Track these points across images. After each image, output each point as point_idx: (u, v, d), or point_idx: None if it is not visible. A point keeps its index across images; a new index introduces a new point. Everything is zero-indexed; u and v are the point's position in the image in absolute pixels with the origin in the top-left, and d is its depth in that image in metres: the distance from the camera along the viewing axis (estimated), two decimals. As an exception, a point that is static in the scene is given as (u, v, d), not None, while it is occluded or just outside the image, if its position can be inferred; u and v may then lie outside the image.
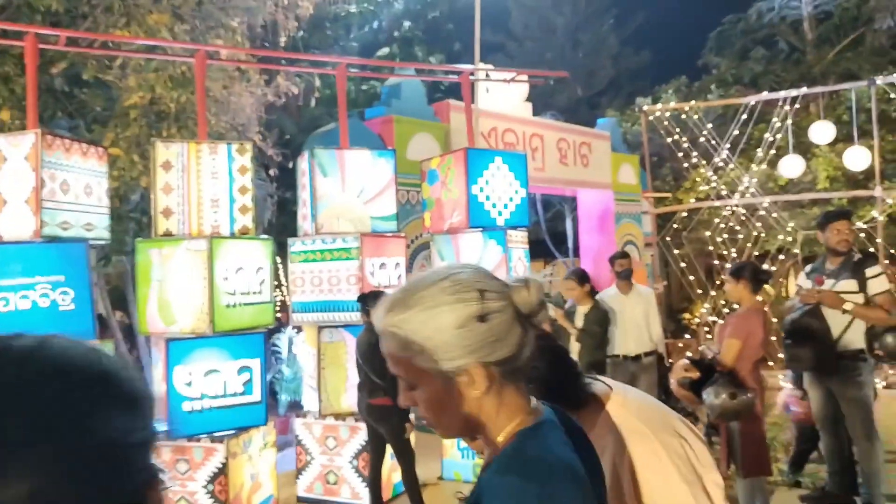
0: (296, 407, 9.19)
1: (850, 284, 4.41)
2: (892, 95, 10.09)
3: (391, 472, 5.30)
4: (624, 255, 6.27)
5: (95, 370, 0.64)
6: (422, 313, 1.02)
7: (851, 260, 4.51)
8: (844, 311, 4.33)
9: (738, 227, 9.98)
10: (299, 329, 7.55)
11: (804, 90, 9.60)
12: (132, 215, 8.32)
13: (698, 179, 11.53)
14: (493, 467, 1.02)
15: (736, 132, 9.85)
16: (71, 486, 0.56)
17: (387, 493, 5.27)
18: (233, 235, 4.94)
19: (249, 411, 4.88)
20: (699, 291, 10.36)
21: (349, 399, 5.40)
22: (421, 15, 19.49)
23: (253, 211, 5.06)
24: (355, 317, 5.25)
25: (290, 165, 7.37)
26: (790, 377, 5.37)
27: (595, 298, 5.87)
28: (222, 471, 4.63)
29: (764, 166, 10.05)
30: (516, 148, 9.51)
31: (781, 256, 10.17)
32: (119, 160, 6.77)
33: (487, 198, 5.70)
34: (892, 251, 9.24)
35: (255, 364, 4.91)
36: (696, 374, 3.65)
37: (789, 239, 9.80)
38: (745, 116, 9.76)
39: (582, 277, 5.90)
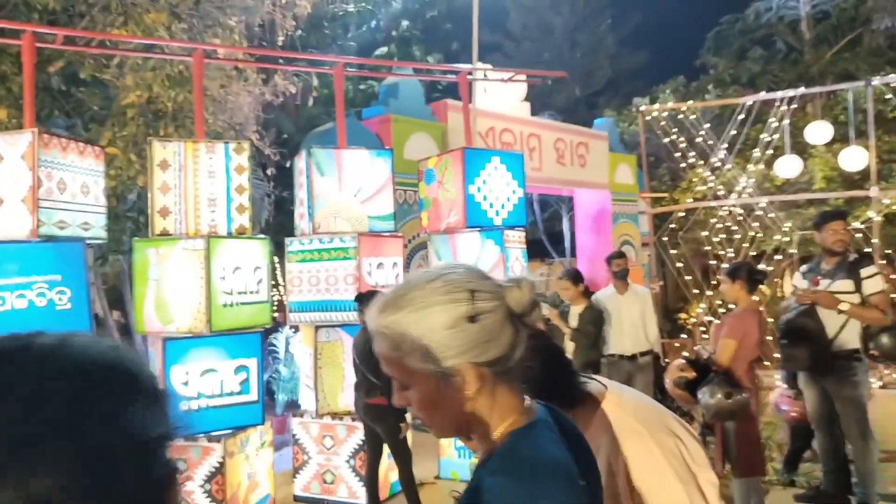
0: (293, 406, 9.17)
1: (845, 284, 4.42)
2: (889, 96, 10.11)
3: (388, 471, 5.30)
4: (620, 255, 6.29)
5: (116, 367, 0.64)
6: (413, 314, 1.02)
7: (847, 260, 4.52)
8: (840, 312, 4.34)
9: (734, 228, 9.97)
10: (296, 328, 7.55)
11: (801, 90, 9.60)
12: (129, 214, 8.30)
13: (695, 179, 11.53)
14: (486, 467, 1.02)
15: (733, 132, 9.85)
16: (94, 482, 0.57)
17: (384, 493, 5.27)
18: (230, 235, 4.94)
19: (246, 411, 4.88)
20: (695, 291, 10.37)
21: (346, 398, 5.39)
22: (419, 14, 19.50)
23: (250, 210, 5.06)
24: (352, 316, 5.25)
25: (288, 165, 7.36)
26: (783, 377, 5.38)
27: (589, 298, 5.90)
28: (219, 470, 4.64)
29: (761, 166, 10.05)
30: (514, 148, 9.52)
31: (778, 256, 10.18)
32: (116, 159, 6.75)
33: (485, 197, 5.70)
34: (888, 251, 9.26)
35: (252, 363, 4.92)
36: (691, 374, 3.67)
37: (786, 239, 9.81)
38: (742, 116, 9.77)
39: (576, 277, 5.94)
